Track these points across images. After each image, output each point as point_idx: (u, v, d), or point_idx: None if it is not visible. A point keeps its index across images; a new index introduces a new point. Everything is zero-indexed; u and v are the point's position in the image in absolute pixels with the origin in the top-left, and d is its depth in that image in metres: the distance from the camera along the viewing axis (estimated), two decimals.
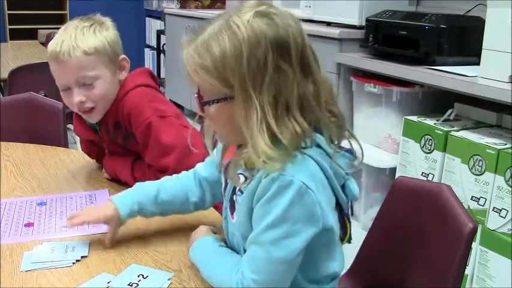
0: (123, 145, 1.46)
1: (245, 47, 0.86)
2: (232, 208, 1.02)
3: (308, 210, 0.89)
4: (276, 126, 0.87)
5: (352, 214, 1.05)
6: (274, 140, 0.87)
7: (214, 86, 0.90)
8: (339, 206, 0.99)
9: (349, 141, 1.00)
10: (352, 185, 1.00)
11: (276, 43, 0.87)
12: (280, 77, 0.87)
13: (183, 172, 1.24)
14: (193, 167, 1.36)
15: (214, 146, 1.07)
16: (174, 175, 1.23)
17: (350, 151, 1.00)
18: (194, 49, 0.91)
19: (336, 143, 0.96)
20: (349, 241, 1.06)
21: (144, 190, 1.19)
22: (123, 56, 1.44)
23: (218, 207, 1.48)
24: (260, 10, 0.89)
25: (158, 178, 1.35)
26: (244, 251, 0.98)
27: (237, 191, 1.00)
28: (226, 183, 1.05)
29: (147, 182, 1.22)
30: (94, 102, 1.39)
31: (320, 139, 0.94)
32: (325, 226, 0.93)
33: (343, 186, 0.98)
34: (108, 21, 1.45)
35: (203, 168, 1.20)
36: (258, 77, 0.86)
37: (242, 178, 0.96)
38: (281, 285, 0.93)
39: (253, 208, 0.92)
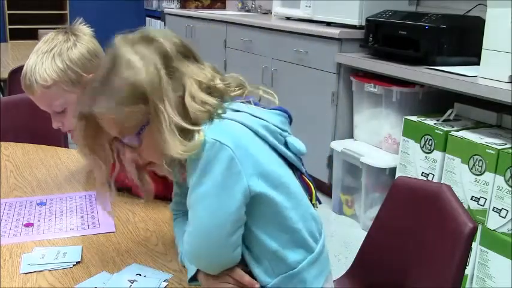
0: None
1: (138, 68, 0.94)
2: None
3: (228, 166, 0.91)
4: (183, 120, 0.94)
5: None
6: (187, 133, 0.94)
7: (137, 111, 0.95)
8: (290, 165, 1.03)
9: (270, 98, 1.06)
10: (295, 141, 1.04)
11: (158, 55, 0.97)
12: (174, 76, 0.97)
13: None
14: None
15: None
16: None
17: (284, 110, 1.06)
18: (99, 102, 0.95)
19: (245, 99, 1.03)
20: (318, 203, 1.08)
21: None
22: (93, 75, 1.39)
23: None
24: (134, 41, 0.99)
25: (168, 183, 1.36)
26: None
27: None
28: None
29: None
30: (71, 126, 1.42)
31: (239, 106, 1.01)
32: (253, 190, 0.93)
33: (286, 144, 1.03)
34: (82, 34, 1.39)
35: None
36: (157, 86, 0.94)
37: None
38: (215, 246, 0.95)
39: None
